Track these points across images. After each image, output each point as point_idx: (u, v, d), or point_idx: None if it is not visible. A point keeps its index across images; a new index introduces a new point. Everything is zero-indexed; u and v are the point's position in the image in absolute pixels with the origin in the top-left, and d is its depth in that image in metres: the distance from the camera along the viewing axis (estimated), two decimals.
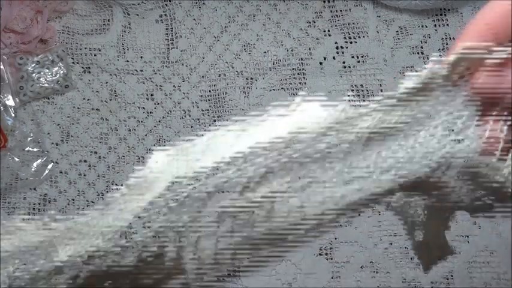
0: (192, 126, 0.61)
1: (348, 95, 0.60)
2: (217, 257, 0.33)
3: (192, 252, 0.34)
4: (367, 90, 0.62)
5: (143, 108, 0.61)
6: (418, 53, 0.62)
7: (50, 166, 0.60)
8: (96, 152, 0.60)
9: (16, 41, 0.60)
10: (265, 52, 0.62)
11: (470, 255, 0.60)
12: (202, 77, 0.61)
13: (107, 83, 0.61)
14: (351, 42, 0.62)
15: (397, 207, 0.36)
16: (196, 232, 0.31)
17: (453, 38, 0.62)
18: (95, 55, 0.62)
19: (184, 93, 0.61)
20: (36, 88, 0.60)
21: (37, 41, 0.60)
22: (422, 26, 0.63)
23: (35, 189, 0.60)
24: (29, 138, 0.60)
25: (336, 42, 0.62)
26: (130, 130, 0.60)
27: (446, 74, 0.30)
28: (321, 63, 0.62)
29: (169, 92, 0.61)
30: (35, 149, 0.60)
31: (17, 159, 0.60)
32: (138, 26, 0.63)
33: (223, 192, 0.31)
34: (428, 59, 0.61)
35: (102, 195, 0.60)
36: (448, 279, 0.61)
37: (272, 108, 0.28)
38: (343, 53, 0.62)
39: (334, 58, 0.62)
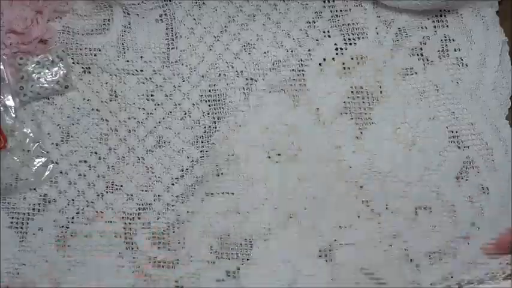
0: (192, 128, 0.61)
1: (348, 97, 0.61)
2: None
3: None
4: (366, 92, 0.61)
5: (143, 108, 0.61)
6: (417, 55, 0.62)
7: (50, 166, 0.60)
8: (96, 153, 0.60)
9: (16, 41, 0.60)
10: (265, 52, 0.62)
11: (469, 256, 0.60)
12: (202, 76, 0.61)
13: (107, 83, 0.61)
14: (350, 44, 0.62)
15: None
16: None
17: (453, 40, 0.62)
18: (95, 55, 0.62)
19: (184, 94, 0.61)
20: (36, 88, 0.60)
21: (37, 41, 0.61)
22: (421, 28, 0.62)
23: (35, 189, 0.60)
24: (29, 139, 0.60)
25: (335, 44, 0.61)
26: (130, 131, 0.60)
27: None
28: (320, 64, 0.61)
29: (169, 92, 0.61)
30: (35, 150, 0.60)
31: (17, 160, 0.60)
32: (138, 26, 0.63)
33: None
34: (427, 60, 0.61)
35: (102, 195, 0.60)
36: (448, 280, 0.61)
37: None
38: (342, 54, 0.62)
39: (333, 59, 0.62)
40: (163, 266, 0.60)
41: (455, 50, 0.61)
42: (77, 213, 0.60)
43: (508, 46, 0.63)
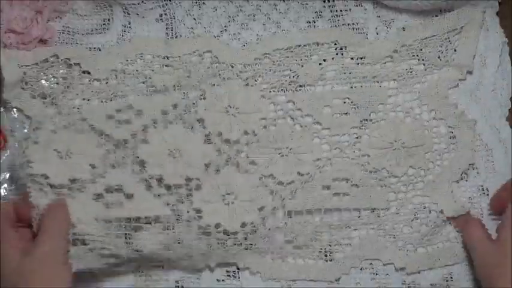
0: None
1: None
2: None
3: None
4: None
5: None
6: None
7: None
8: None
9: (16, 41, 0.60)
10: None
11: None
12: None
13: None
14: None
15: None
16: None
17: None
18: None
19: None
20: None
21: (37, 41, 0.60)
22: (421, 28, 0.62)
23: None
24: (29, 139, 0.59)
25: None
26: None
27: None
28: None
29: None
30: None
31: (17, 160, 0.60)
32: (138, 26, 0.63)
33: None
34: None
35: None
36: (447, 280, 0.61)
37: None
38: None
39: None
40: (163, 267, 0.60)
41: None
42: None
43: (508, 47, 0.63)
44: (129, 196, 0.59)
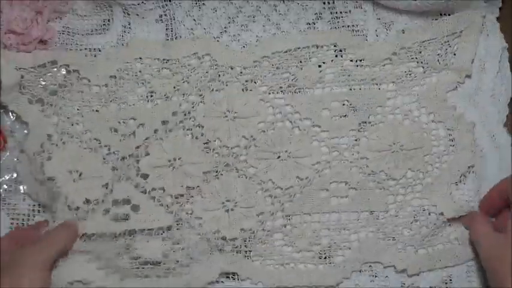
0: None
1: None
2: None
3: None
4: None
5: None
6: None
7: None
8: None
9: (16, 42, 0.60)
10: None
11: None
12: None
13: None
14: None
15: None
16: None
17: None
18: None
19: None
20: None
21: (37, 41, 0.60)
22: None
23: None
24: (29, 140, 0.60)
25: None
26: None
27: None
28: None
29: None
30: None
31: (16, 160, 0.60)
32: (138, 26, 0.63)
33: None
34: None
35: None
36: (446, 283, 0.61)
37: None
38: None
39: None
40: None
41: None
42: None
43: (508, 53, 0.62)
44: (136, 208, 0.59)
